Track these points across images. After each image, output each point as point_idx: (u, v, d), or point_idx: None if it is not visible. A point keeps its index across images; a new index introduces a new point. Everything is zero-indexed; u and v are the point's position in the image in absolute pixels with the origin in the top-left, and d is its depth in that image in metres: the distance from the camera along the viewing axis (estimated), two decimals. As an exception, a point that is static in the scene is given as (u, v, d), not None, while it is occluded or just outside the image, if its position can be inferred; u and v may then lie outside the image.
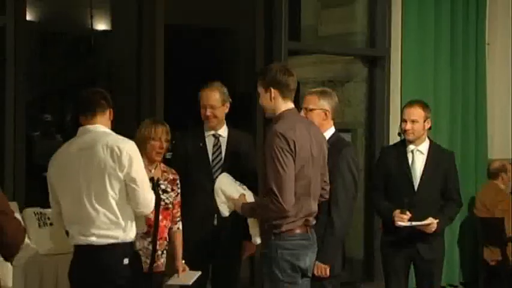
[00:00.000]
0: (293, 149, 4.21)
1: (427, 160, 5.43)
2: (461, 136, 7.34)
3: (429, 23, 7.12)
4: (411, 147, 5.44)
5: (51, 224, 5.41)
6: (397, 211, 5.25)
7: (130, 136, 4.29)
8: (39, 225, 5.44)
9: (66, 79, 8.23)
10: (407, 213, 5.22)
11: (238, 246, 5.14)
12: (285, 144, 4.19)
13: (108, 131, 4.18)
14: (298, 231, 4.32)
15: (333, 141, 4.84)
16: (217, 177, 4.78)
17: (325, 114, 4.95)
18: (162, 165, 4.85)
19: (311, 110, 4.94)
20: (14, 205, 5.19)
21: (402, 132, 5.48)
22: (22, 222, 3.91)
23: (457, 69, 7.28)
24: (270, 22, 6.52)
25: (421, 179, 5.39)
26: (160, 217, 4.68)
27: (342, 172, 4.73)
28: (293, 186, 4.20)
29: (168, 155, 5.26)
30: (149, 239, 4.65)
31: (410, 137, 5.42)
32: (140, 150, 4.29)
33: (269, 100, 4.35)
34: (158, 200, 4.58)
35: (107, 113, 4.24)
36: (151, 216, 4.56)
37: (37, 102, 8.12)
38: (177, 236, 4.81)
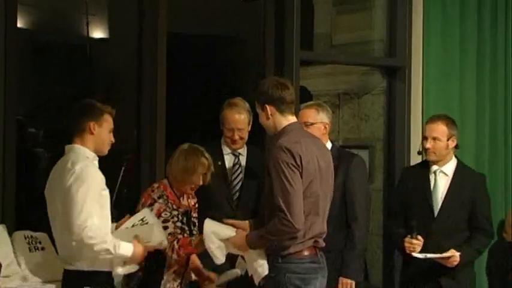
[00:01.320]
0: (299, 163, 4.17)
1: (451, 183, 5.19)
2: (488, 154, 7.12)
3: (454, 30, 6.93)
4: (434, 168, 5.21)
5: (43, 249, 5.28)
6: (407, 238, 5.01)
7: (130, 149, 4.27)
8: (30, 250, 5.29)
9: (60, 91, 8.22)
10: (419, 238, 4.96)
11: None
12: (291, 158, 4.16)
13: (74, 152, 4.34)
14: (306, 253, 4.27)
15: (338, 155, 5.08)
16: (237, 197, 5.04)
17: (325, 127, 5.21)
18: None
19: (311, 124, 5.14)
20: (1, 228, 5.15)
21: (423, 150, 5.31)
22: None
23: (484, 80, 7.07)
24: (281, 30, 6.45)
25: (442, 204, 5.15)
26: (191, 256, 4.70)
27: (357, 183, 5.00)
28: (302, 203, 4.16)
29: None
30: (179, 281, 4.70)
31: (431, 156, 5.20)
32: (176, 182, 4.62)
33: (266, 119, 4.35)
34: (190, 236, 4.68)
35: (85, 127, 4.37)
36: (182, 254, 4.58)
37: (29, 116, 8.11)
38: (194, 259, 4.79)
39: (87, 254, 4.17)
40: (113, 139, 4.48)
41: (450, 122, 5.26)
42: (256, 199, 5.20)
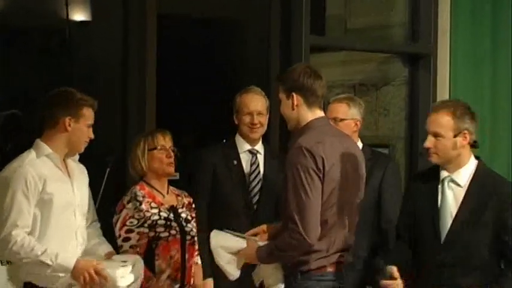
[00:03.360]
0: (321, 167, 4.10)
1: (465, 196, 4.25)
2: None
3: (485, 11, 6.93)
4: (444, 174, 4.32)
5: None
6: (381, 281, 4.22)
7: (115, 148, 4.49)
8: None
9: (36, 81, 8.28)
10: (395, 275, 4.19)
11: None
12: (311, 162, 4.09)
13: (32, 150, 4.37)
14: (330, 269, 4.22)
15: (371, 157, 5.16)
16: (257, 200, 5.12)
17: (356, 124, 5.27)
18: (171, 187, 4.95)
19: (340, 120, 5.21)
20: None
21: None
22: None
23: None
24: (288, 12, 6.46)
25: (451, 226, 4.24)
26: (187, 255, 4.75)
27: (394, 191, 5.13)
28: (319, 214, 4.10)
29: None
30: (177, 286, 4.74)
31: (433, 158, 4.30)
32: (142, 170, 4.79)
33: (291, 108, 4.29)
34: (183, 233, 4.73)
35: (58, 121, 4.35)
36: (176, 254, 4.69)
37: (2, 108, 8.12)
38: (197, 272, 4.91)
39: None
40: (92, 135, 4.43)
41: (459, 110, 4.28)
42: (277, 203, 5.14)
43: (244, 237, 4.40)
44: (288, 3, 6.42)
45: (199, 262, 4.95)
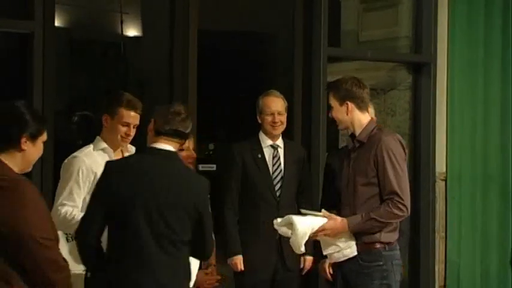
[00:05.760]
0: (405, 154, 4.64)
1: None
2: None
3: (479, 26, 7.00)
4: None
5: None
6: None
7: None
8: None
9: (95, 88, 8.36)
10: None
11: (299, 261, 5.48)
12: (402, 150, 4.57)
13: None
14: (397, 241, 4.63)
15: None
16: (279, 187, 5.29)
17: None
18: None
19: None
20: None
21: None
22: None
23: (509, 76, 7.11)
24: (309, 27, 6.57)
25: None
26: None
27: None
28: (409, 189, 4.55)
29: (209, 167, 5.89)
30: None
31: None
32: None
33: (345, 114, 4.62)
34: None
35: (105, 121, 4.50)
36: None
37: (65, 112, 8.20)
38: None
39: None
40: (128, 132, 4.56)
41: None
42: (297, 189, 5.50)
43: (321, 215, 4.56)
44: (310, 20, 6.54)
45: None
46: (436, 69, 7.02)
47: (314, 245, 5.28)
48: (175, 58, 6.13)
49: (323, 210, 4.66)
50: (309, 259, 5.49)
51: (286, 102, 5.50)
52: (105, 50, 8.62)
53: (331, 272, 5.29)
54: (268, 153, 5.45)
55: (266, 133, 5.47)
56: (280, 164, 5.45)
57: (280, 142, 5.50)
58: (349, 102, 4.59)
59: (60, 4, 7.19)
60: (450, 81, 6.97)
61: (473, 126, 6.98)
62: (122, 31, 8.07)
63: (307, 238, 4.49)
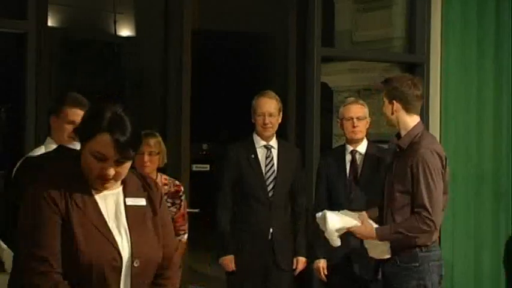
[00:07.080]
0: (444, 165, 4.45)
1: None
2: (506, 150, 7.09)
3: (472, 27, 6.96)
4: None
5: None
6: None
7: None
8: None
9: (89, 88, 8.20)
10: None
11: (292, 261, 5.41)
12: (438, 162, 4.39)
13: None
14: (437, 241, 4.58)
15: (376, 150, 5.36)
16: (272, 187, 5.25)
17: (367, 122, 5.40)
18: (164, 176, 5.00)
19: (361, 119, 5.29)
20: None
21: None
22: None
23: (502, 76, 7.08)
24: (303, 27, 6.52)
25: None
26: None
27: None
28: (442, 205, 4.44)
29: (202, 167, 5.92)
30: None
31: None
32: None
33: (391, 112, 4.53)
34: None
35: None
36: None
37: None
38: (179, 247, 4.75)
39: None
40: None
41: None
42: (290, 189, 5.47)
43: (357, 217, 4.52)
44: (303, 20, 6.50)
45: (184, 239, 5.03)
46: (429, 69, 6.99)
47: (307, 246, 5.30)
48: (169, 58, 6.11)
49: (364, 212, 4.61)
50: (302, 260, 5.43)
51: (280, 103, 5.46)
52: (99, 50, 8.57)
53: (326, 273, 5.30)
54: (261, 153, 5.43)
55: (258, 134, 5.46)
56: (273, 164, 5.42)
57: (274, 143, 5.47)
58: (395, 102, 4.48)
59: (54, 4, 7.20)
60: (443, 82, 6.94)
61: (467, 127, 6.96)
62: (115, 31, 8.04)
63: (336, 235, 4.47)
